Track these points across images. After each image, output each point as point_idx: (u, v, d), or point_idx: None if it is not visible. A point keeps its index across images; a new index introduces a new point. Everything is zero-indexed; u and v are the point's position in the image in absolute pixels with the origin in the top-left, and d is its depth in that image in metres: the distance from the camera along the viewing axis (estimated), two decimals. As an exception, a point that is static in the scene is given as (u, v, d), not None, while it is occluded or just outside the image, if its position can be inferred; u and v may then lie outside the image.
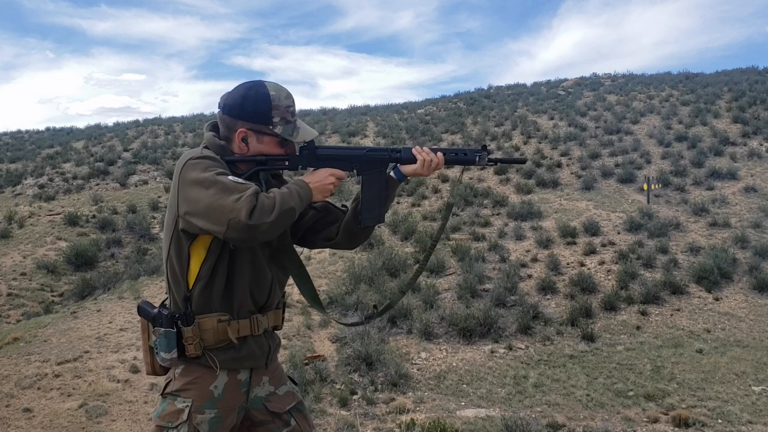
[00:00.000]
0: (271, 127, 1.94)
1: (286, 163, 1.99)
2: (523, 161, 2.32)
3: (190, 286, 1.88)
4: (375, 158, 2.04)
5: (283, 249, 2.06)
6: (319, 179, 1.95)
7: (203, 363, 1.90)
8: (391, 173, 2.06)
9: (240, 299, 1.93)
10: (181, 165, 1.84)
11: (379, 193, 2.04)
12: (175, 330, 1.87)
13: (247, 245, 1.87)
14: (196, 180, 1.77)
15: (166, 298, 1.99)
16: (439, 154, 2.05)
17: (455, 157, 2.07)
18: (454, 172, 20.87)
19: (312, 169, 2.01)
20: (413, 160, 2.03)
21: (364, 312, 11.46)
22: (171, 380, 1.95)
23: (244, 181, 1.79)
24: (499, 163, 2.17)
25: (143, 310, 1.96)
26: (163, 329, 1.87)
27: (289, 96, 1.98)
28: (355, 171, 2.03)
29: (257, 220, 1.70)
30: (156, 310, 1.93)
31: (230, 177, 1.78)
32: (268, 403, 2.04)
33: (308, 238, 2.15)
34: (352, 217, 2.08)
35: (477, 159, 2.05)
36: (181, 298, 1.89)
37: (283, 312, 2.14)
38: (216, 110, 2.03)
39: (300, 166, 2.02)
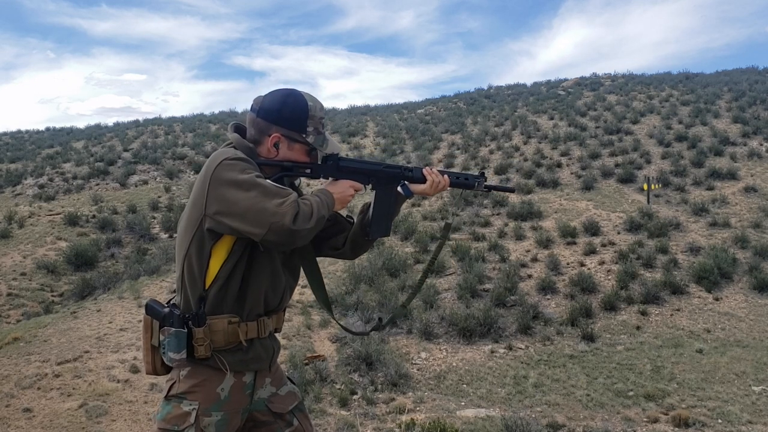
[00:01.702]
0: (304, 136, 1.97)
1: (308, 172, 2.03)
2: (512, 190, 2.51)
3: (207, 286, 1.88)
4: (390, 174, 2.11)
5: (298, 254, 2.09)
6: (341, 190, 2.00)
7: (211, 365, 1.89)
8: (400, 189, 2.12)
9: (252, 302, 1.93)
10: (215, 164, 1.83)
11: (388, 208, 2.11)
12: (185, 330, 1.86)
13: (282, 249, 1.91)
14: (235, 181, 1.78)
15: (172, 298, 1.99)
16: (446, 176, 2.14)
17: (457, 181, 2.19)
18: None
19: (331, 179, 2.05)
20: (423, 180, 2.11)
21: (364, 312, 11.46)
22: (175, 382, 1.92)
23: (284, 187, 1.82)
24: (491, 191, 2.30)
25: (152, 309, 1.94)
26: (173, 329, 1.86)
27: (322, 108, 2.04)
28: (370, 185, 2.10)
29: (300, 225, 1.74)
30: (167, 310, 1.91)
31: (268, 180, 1.82)
32: (271, 404, 2.05)
33: (315, 246, 2.16)
34: (359, 228, 2.13)
35: (476, 185, 2.19)
36: (195, 298, 1.89)
37: (284, 314, 2.15)
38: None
39: (321, 176, 2.07)
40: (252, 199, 1.74)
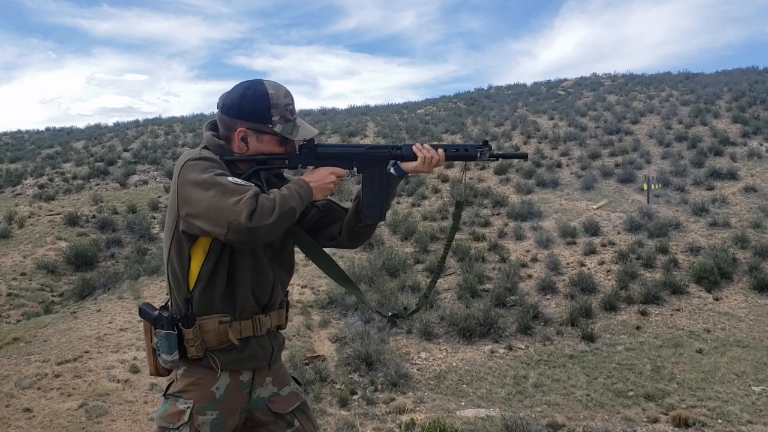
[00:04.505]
0: (270, 126, 1.92)
1: (286, 162, 1.97)
2: (524, 156, 2.27)
3: (191, 288, 1.87)
4: (375, 156, 2.02)
5: (294, 247, 2.05)
6: (320, 178, 1.93)
7: (205, 364, 1.89)
8: (392, 170, 2.04)
9: (242, 300, 1.91)
10: (180, 165, 1.83)
11: (380, 190, 2.03)
12: (176, 332, 1.86)
13: (248, 247, 1.85)
14: (196, 181, 1.75)
15: (168, 300, 1.99)
16: (440, 150, 2.03)
17: (456, 153, 2.06)
18: (453, 172, 20.87)
19: (312, 167, 1.99)
20: (414, 158, 2.01)
21: (364, 313, 11.44)
22: (173, 381, 1.94)
23: (244, 182, 1.77)
24: (500, 159, 2.15)
25: (144, 312, 1.95)
26: (164, 331, 1.87)
27: (288, 94, 1.96)
28: (355, 169, 2.02)
29: (257, 222, 1.68)
30: (157, 312, 1.92)
31: (230, 178, 1.76)
32: (271, 404, 2.03)
33: (310, 237, 2.14)
34: (353, 215, 2.06)
35: (478, 155, 2.05)
36: (182, 300, 1.88)
37: (287, 311, 2.12)
38: (216, 110, 2.02)
39: (300, 165, 2.00)
40: (211, 199, 1.71)
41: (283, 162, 1.97)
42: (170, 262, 1.89)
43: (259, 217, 1.69)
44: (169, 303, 1.96)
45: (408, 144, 2.04)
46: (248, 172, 1.90)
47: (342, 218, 2.11)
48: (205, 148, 1.93)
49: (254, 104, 1.90)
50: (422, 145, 2.02)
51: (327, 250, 2.16)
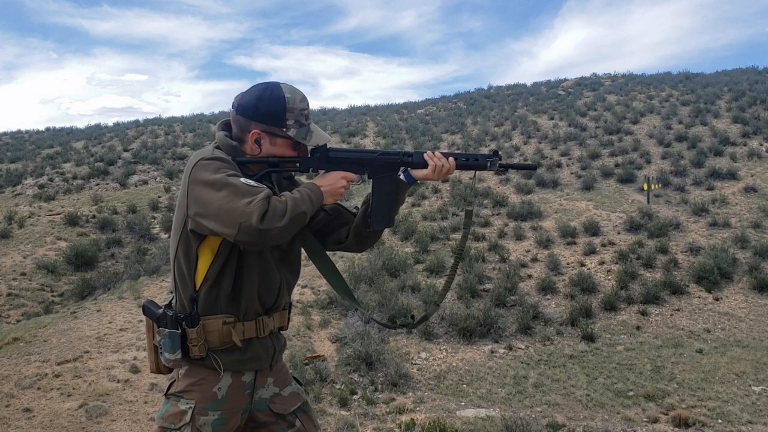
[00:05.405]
0: (284, 130, 1.92)
1: (297, 165, 1.98)
2: (534, 167, 2.26)
3: (197, 287, 1.87)
4: (386, 162, 2.02)
5: (300, 250, 2.04)
6: (331, 182, 1.93)
7: (207, 364, 1.89)
8: (402, 177, 2.04)
9: (247, 301, 1.91)
10: (192, 165, 1.82)
11: (389, 196, 2.03)
12: (179, 331, 1.86)
13: (257, 249, 1.85)
14: (208, 181, 1.75)
15: (172, 298, 1.99)
16: (451, 159, 2.03)
17: (466, 163, 2.06)
18: (455, 173, 20.85)
19: (323, 171, 1.99)
20: (424, 165, 2.02)
21: (366, 312, 11.44)
22: (174, 381, 1.93)
23: (256, 184, 1.77)
24: (510, 169, 2.14)
25: (148, 310, 1.95)
26: (167, 330, 1.86)
27: (303, 99, 1.96)
28: (366, 174, 2.02)
29: (268, 224, 1.68)
30: (161, 311, 1.92)
31: (242, 179, 1.77)
32: (273, 405, 2.03)
33: (318, 240, 2.14)
34: (361, 220, 2.06)
35: (488, 164, 2.05)
36: (187, 299, 1.88)
37: (289, 312, 2.12)
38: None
39: (311, 169, 2.01)
40: (222, 199, 1.71)
41: (295, 165, 1.97)
42: (177, 261, 1.89)
43: (271, 220, 1.69)
44: (174, 301, 1.96)
45: (419, 151, 2.03)
46: (260, 173, 1.90)
47: (350, 222, 2.11)
48: (218, 148, 1.92)
49: (270, 107, 1.90)
50: (433, 153, 2.02)
51: (330, 253, 2.15)
